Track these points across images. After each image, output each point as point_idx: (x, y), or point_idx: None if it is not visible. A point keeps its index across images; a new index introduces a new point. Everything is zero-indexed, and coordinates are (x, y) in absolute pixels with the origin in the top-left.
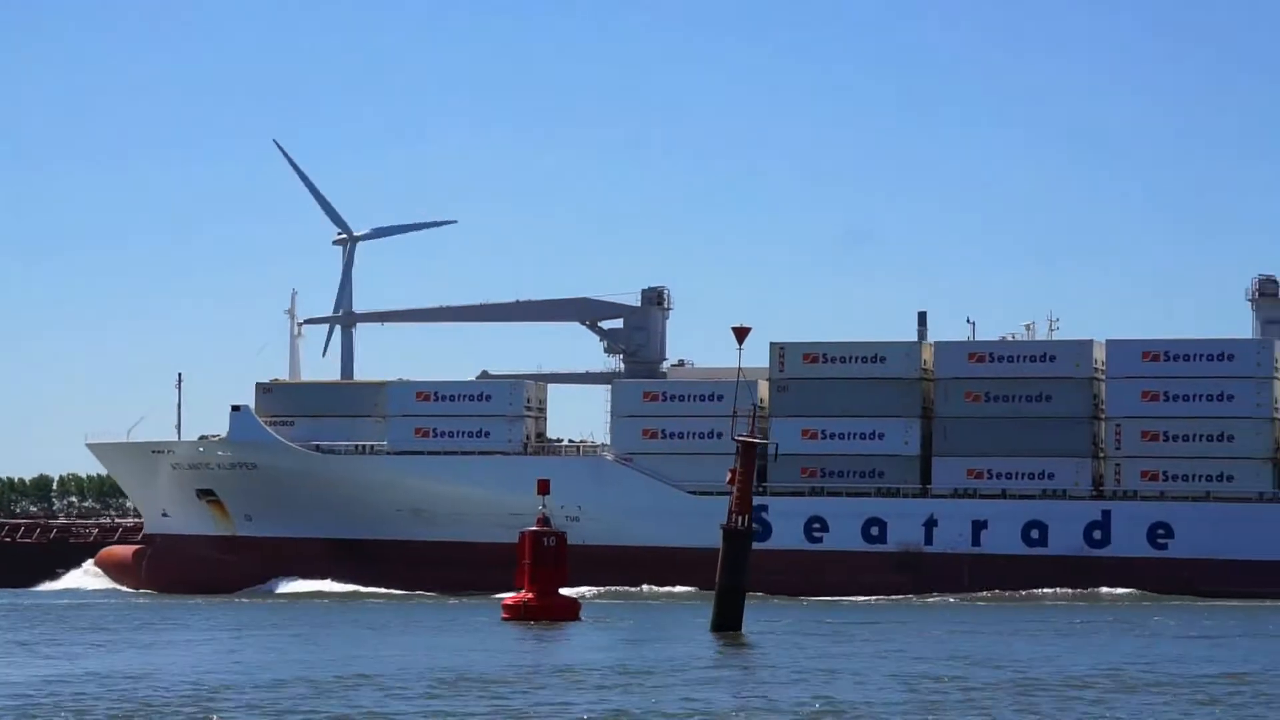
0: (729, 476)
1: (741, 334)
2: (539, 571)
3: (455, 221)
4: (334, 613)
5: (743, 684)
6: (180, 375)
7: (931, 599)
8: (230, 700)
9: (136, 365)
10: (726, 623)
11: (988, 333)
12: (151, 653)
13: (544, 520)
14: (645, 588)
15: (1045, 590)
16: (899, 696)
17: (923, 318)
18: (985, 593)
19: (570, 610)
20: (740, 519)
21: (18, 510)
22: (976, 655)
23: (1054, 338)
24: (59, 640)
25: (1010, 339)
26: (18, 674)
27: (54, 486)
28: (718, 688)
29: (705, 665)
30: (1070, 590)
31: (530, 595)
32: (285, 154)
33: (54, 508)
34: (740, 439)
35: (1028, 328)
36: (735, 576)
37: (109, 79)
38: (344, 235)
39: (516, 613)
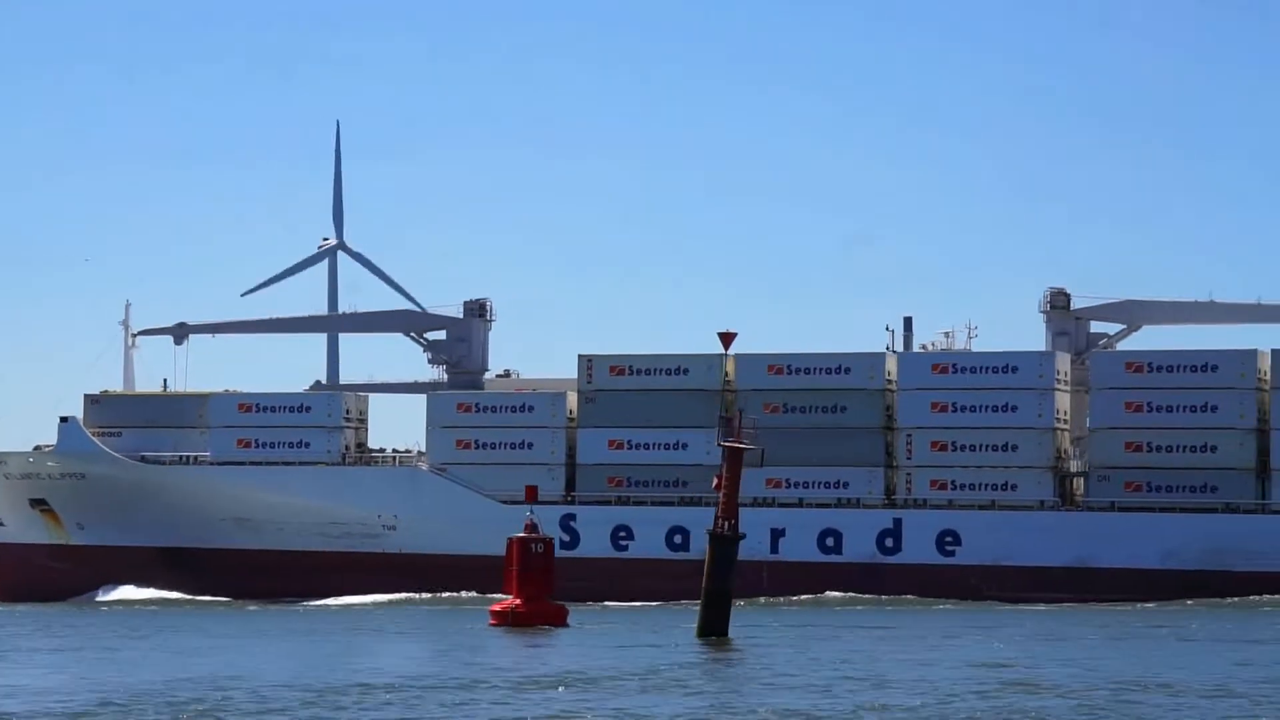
0: (715, 483)
1: (727, 339)
2: (527, 577)
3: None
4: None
5: (737, 689)
6: None
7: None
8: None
9: None
10: (713, 628)
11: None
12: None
13: (532, 526)
14: (463, 593)
15: (835, 594)
16: None
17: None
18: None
19: (558, 616)
20: (726, 524)
21: None
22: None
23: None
24: None
25: (807, 353)
26: None
27: None
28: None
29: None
30: (862, 594)
31: (518, 601)
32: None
33: None
34: (726, 444)
35: (947, 335)
36: (721, 581)
37: None
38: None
39: (504, 619)
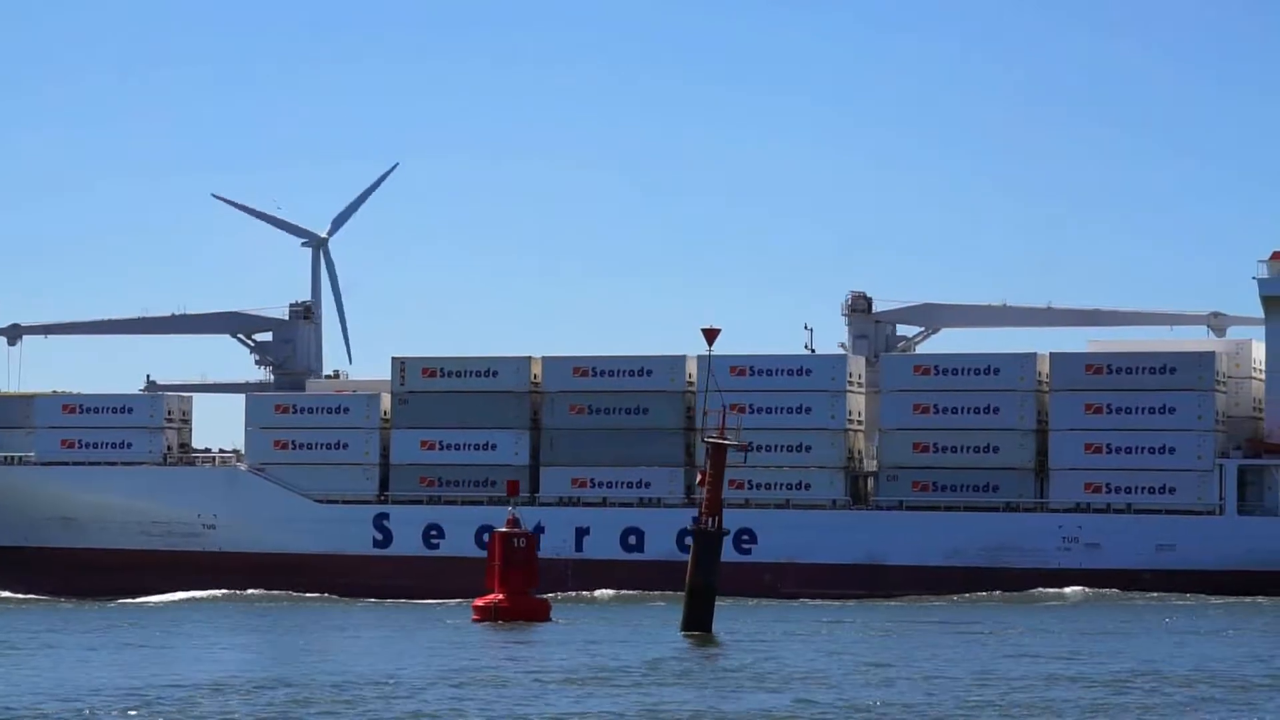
0: (699, 478)
1: (711, 335)
2: (509, 573)
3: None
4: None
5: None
6: None
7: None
8: None
9: None
10: (696, 623)
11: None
12: None
13: (514, 521)
14: (279, 592)
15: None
16: None
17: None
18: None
19: (541, 611)
20: (711, 520)
21: None
22: None
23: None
24: None
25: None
26: None
27: None
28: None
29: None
30: (667, 593)
31: (500, 597)
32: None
33: None
34: (710, 440)
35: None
36: (705, 577)
37: None
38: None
39: (487, 614)
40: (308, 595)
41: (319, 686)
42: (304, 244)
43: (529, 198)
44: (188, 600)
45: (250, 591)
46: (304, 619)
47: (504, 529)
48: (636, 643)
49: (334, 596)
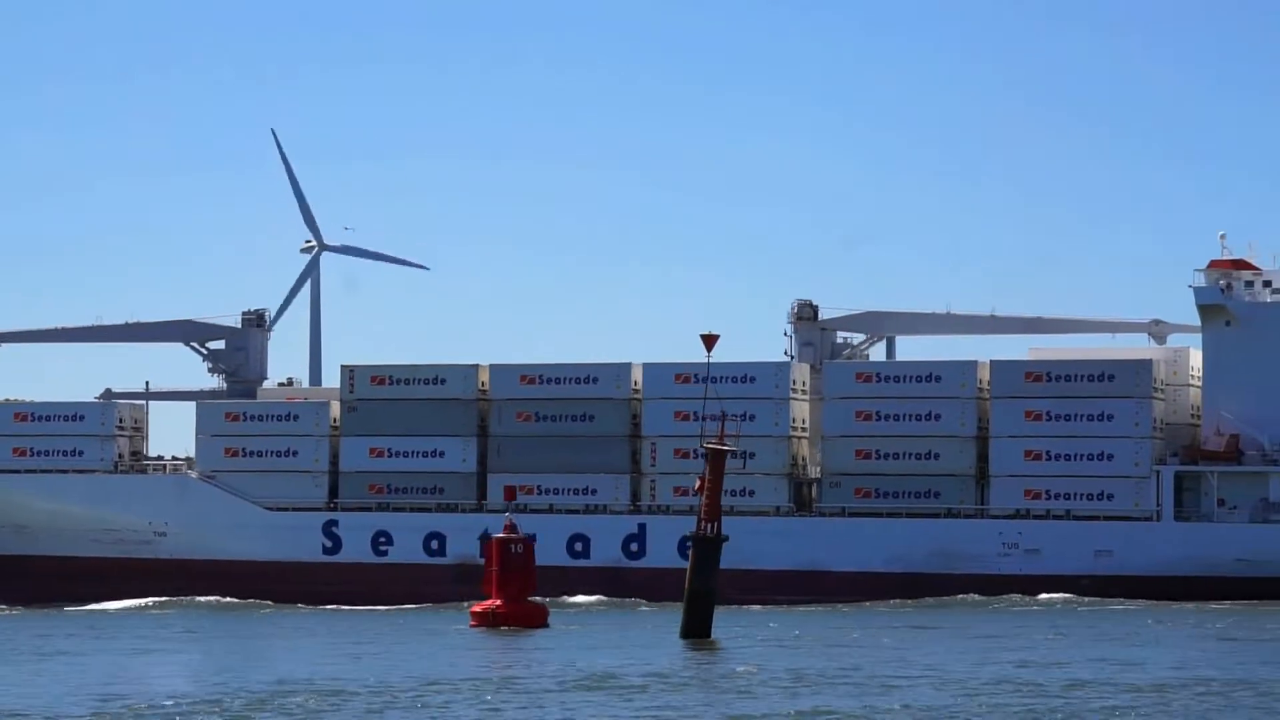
0: (697, 484)
1: (710, 341)
2: (507, 578)
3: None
4: None
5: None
6: None
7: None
8: None
9: None
10: (695, 629)
11: None
12: None
13: (511, 527)
14: (225, 599)
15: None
16: None
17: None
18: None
19: (539, 617)
20: (710, 526)
21: None
22: None
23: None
24: None
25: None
26: None
27: None
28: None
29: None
30: (606, 598)
31: (498, 602)
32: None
33: None
34: (709, 446)
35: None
36: (704, 583)
37: None
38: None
39: (485, 619)
40: (257, 602)
41: (326, 696)
42: (303, 249)
43: (475, 204)
44: (138, 607)
45: (200, 599)
46: (289, 624)
47: (501, 535)
48: (637, 649)
49: (283, 604)
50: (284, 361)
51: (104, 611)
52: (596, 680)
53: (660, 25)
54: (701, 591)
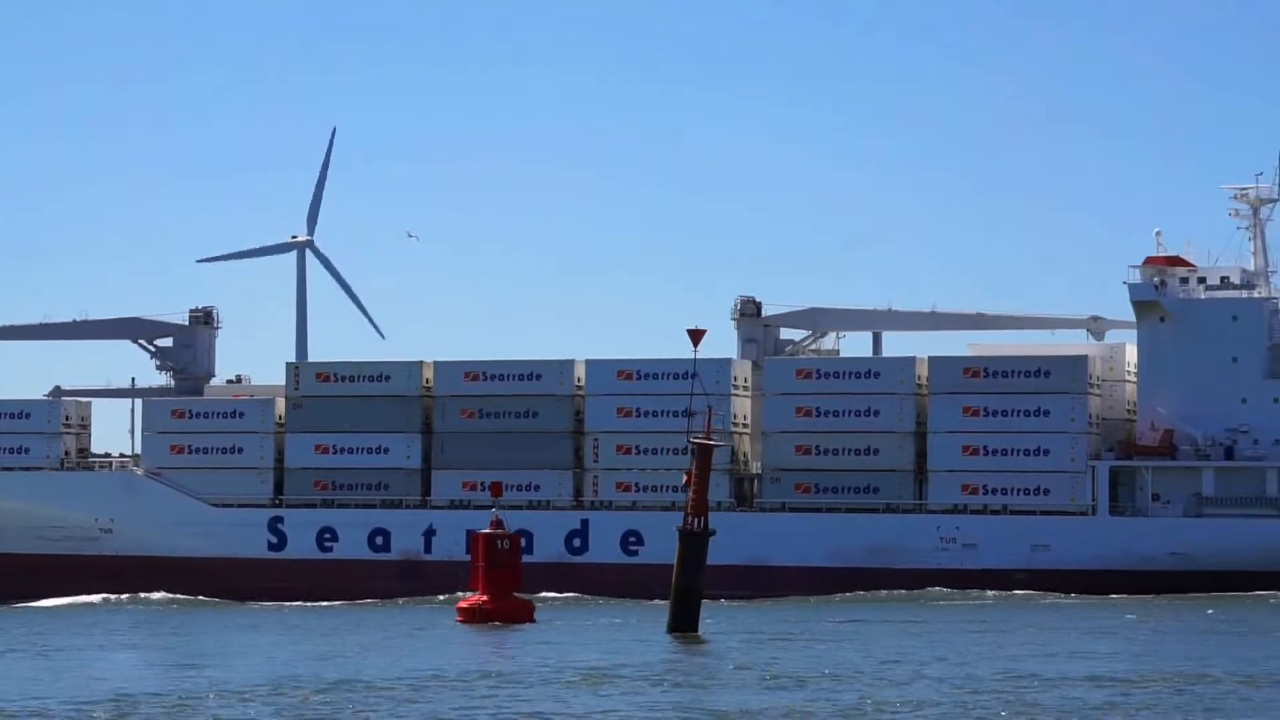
0: (684, 479)
1: (696, 336)
2: (493, 574)
3: None
4: None
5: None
6: None
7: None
8: None
9: None
10: (682, 623)
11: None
12: None
13: (498, 523)
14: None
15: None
16: None
17: None
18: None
19: (525, 612)
20: (696, 521)
21: None
22: None
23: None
24: None
25: (502, 360)
26: None
27: None
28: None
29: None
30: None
31: (484, 598)
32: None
33: None
34: (696, 441)
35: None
36: (691, 578)
37: None
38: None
39: (471, 615)
40: (204, 599)
41: (332, 689)
42: (290, 242)
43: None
44: (85, 604)
45: (145, 595)
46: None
47: (488, 530)
48: (625, 643)
49: (228, 601)
50: (236, 360)
51: (55, 608)
52: (599, 675)
53: (608, 22)
54: (689, 586)
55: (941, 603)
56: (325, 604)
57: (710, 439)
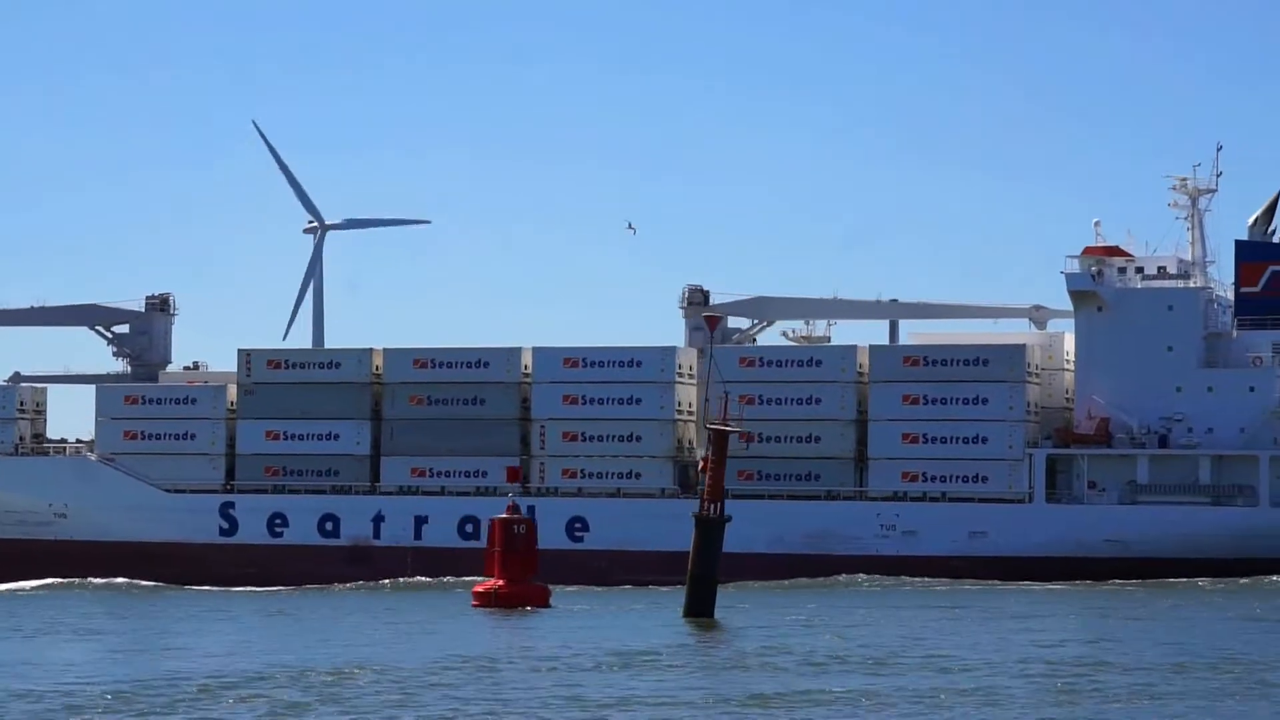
0: (700, 464)
1: (713, 322)
2: (509, 558)
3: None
4: None
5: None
6: None
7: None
8: None
9: None
10: (698, 609)
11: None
12: None
13: (514, 508)
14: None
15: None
16: None
17: None
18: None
19: (541, 597)
20: (712, 507)
21: None
22: None
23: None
24: None
25: (451, 347)
26: None
27: None
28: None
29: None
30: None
31: (500, 582)
32: (264, 137)
33: None
34: (712, 427)
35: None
36: (707, 564)
37: None
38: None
39: (487, 600)
40: (157, 584)
41: (348, 673)
42: (306, 229)
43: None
44: (39, 588)
45: (97, 580)
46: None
47: (504, 515)
48: (644, 628)
49: (177, 586)
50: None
51: (8, 592)
52: (631, 658)
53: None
54: (704, 574)
55: (908, 588)
56: (322, 591)
57: (727, 424)
